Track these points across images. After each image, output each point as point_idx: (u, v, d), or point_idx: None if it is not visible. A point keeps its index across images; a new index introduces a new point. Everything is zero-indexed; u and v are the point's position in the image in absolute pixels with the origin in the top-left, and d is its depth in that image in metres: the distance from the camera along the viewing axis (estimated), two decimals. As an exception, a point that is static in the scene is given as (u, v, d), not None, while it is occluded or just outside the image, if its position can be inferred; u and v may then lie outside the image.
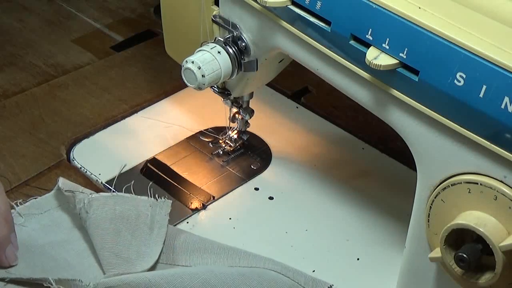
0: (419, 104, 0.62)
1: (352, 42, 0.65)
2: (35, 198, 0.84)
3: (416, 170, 0.67)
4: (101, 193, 0.81)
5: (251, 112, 0.91)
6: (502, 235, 0.59)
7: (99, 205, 0.78)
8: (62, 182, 0.81)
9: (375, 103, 0.67)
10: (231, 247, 0.79)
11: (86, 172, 0.90)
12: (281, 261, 0.78)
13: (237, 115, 0.92)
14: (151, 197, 0.82)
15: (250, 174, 0.92)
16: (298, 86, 1.07)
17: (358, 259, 0.82)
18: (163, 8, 0.89)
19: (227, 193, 0.90)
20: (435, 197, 0.64)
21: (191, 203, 0.88)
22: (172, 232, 0.80)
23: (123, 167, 0.90)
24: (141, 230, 0.78)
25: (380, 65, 0.62)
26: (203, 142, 0.96)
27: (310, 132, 0.99)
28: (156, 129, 0.98)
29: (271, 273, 0.76)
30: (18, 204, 0.83)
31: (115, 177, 0.89)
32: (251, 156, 0.95)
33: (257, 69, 0.81)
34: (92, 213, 0.78)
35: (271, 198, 0.89)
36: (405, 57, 0.61)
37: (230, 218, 0.86)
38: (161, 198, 0.81)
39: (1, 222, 0.74)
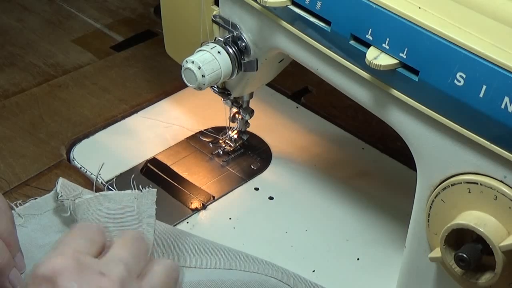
0: (419, 104, 0.62)
1: (352, 42, 0.65)
2: (35, 199, 0.84)
3: (416, 170, 0.67)
4: (85, 196, 0.79)
5: (251, 112, 0.91)
6: (502, 235, 0.59)
7: (84, 210, 0.78)
8: (62, 183, 0.81)
9: (375, 103, 0.67)
10: (232, 249, 0.79)
11: (86, 172, 0.90)
12: (281, 261, 0.78)
13: (237, 115, 0.92)
14: (135, 189, 0.81)
15: (250, 174, 0.92)
16: (298, 86, 1.07)
17: (358, 259, 0.82)
18: (163, 8, 0.89)
19: (227, 193, 0.90)
20: (435, 197, 0.64)
21: (191, 203, 0.88)
22: (172, 233, 0.80)
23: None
24: (129, 224, 0.77)
25: (380, 65, 0.62)
26: (203, 142, 0.96)
27: (310, 132, 0.99)
28: (156, 129, 0.98)
29: (271, 280, 0.76)
30: (18, 205, 0.83)
31: (115, 177, 0.90)
32: (251, 156, 0.95)
33: (257, 69, 0.81)
34: (80, 218, 0.78)
35: (271, 198, 0.89)
36: (405, 57, 0.61)
37: (230, 218, 0.86)
38: (145, 189, 0.81)
39: (1, 247, 0.70)
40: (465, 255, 0.59)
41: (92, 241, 0.59)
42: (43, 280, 0.54)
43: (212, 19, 0.82)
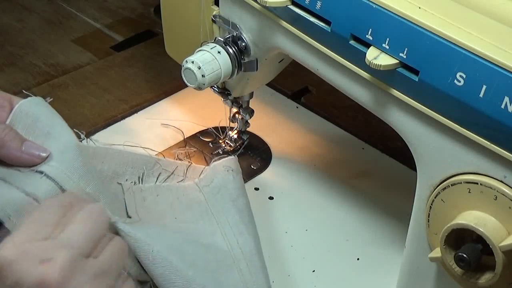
0: (419, 104, 0.62)
1: (352, 42, 0.65)
2: None
3: (416, 170, 0.67)
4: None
5: (251, 112, 0.91)
6: (502, 235, 0.59)
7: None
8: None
9: (375, 103, 0.67)
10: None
11: (86, 172, 0.90)
12: (281, 261, 0.78)
13: (237, 115, 0.92)
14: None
15: (250, 174, 0.92)
16: (298, 86, 1.07)
17: (358, 259, 0.82)
18: (163, 8, 0.89)
19: (227, 193, 0.89)
20: (435, 197, 0.64)
21: (191, 203, 0.88)
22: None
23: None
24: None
25: (380, 65, 0.62)
26: (203, 142, 0.96)
27: (310, 132, 0.99)
28: (156, 129, 0.98)
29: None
30: None
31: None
32: (251, 156, 0.95)
33: (257, 69, 0.81)
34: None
35: (271, 198, 0.89)
36: (405, 57, 0.61)
37: (230, 218, 0.86)
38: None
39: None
40: (465, 255, 0.59)
41: (49, 221, 0.59)
42: None
43: (212, 19, 0.82)
